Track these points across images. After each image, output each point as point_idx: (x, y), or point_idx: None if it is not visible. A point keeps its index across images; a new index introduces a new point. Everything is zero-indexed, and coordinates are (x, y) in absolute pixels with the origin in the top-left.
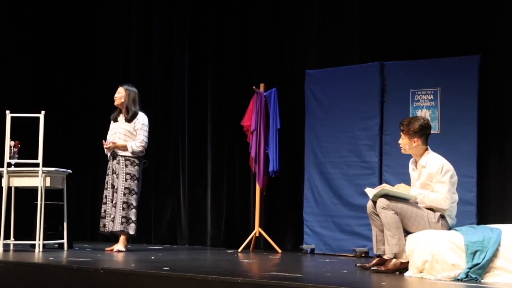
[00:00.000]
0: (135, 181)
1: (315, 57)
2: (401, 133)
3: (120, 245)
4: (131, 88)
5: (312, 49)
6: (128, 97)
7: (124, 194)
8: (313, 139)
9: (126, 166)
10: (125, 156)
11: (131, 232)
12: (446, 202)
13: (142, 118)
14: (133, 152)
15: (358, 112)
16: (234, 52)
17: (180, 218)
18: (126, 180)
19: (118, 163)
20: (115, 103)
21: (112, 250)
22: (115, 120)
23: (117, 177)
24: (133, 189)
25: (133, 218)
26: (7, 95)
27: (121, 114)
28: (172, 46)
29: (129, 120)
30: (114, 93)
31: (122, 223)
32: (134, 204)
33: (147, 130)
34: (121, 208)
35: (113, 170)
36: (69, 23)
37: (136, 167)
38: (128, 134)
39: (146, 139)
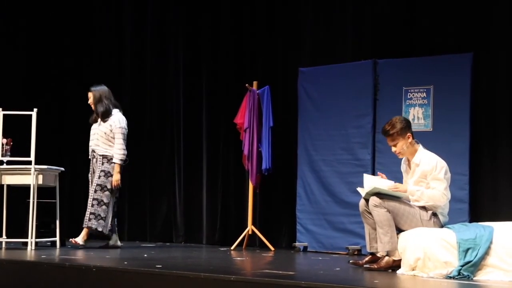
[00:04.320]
0: (109, 178)
1: (308, 55)
2: (391, 139)
3: (78, 237)
4: (97, 88)
5: (305, 47)
6: (94, 98)
7: (95, 191)
8: (306, 137)
9: (102, 163)
10: (102, 155)
11: (99, 228)
12: (443, 198)
13: (118, 121)
14: (120, 160)
15: (351, 110)
16: (227, 50)
17: (176, 216)
18: (99, 177)
19: (96, 162)
20: (92, 108)
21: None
22: (95, 121)
23: (94, 175)
24: (106, 186)
25: (102, 214)
26: (0, 93)
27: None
28: (166, 45)
29: (103, 119)
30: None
31: (90, 219)
32: (105, 201)
33: (125, 132)
34: (91, 205)
35: (93, 169)
36: (63, 21)
37: (113, 164)
38: (104, 136)
39: (124, 142)
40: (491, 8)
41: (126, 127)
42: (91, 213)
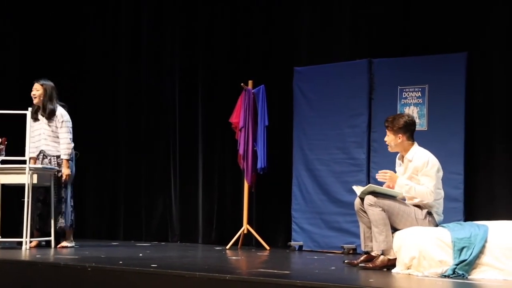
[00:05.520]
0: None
1: (304, 54)
2: (386, 130)
3: (65, 242)
4: (47, 83)
5: (300, 46)
6: (45, 92)
7: (61, 191)
8: (301, 136)
9: (58, 164)
10: (56, 155)
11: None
12: (431, 196)
13: (61, 115)
14: (68, 155)
15: (346, 109)
16: (223, 49)
17: (172, 215)
18: (61, 177)
19: (50, 163)
20: (35, 102)
21: (62, 246)
22: (36, 119)
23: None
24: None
25: (65, 210)
26: None
27: (39, 112)
28: (162, 44)
29: (48, 117)
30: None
31: (66, 219)
32: (66, 197)
33: (69, 125)
34: (65, 206)
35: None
36: (58, 20)
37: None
38: (52, 135)
39: (70, 136)
40: (486, 8)
41: (70, 120)
42: (62, 213)
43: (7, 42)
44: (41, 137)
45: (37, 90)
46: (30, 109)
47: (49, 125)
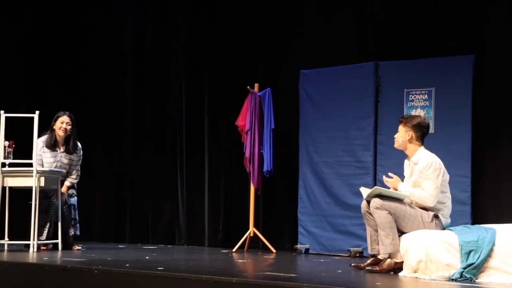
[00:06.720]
0: (73, 191)
1: (310, 57)
2: (399, 125)
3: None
4: (71, 115)
5: (306, 49)
6: (73, 126)
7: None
8: (307, 139)
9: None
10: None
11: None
12: (430, 200)
13: (80, 150)
14: (74, 183)
15: (353, 112)
16: (229, 52)
17: (178, 218)
18: (71, 195)
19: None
20: (62, 134)
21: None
22: (54, 150)
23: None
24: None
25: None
26: (1, 95)
27: (60, 144)
28: (167, 47)
29: (72, 152)
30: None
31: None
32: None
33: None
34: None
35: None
36: (63, 24)
37: (71, 183)
38: (68, 167)
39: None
40: (493, 10)
41: None
42: (76, 221)
43: (16, 46)
44: (56, 167)
45: (68, 124)
46: (37, 112)
47: (70, 158)
